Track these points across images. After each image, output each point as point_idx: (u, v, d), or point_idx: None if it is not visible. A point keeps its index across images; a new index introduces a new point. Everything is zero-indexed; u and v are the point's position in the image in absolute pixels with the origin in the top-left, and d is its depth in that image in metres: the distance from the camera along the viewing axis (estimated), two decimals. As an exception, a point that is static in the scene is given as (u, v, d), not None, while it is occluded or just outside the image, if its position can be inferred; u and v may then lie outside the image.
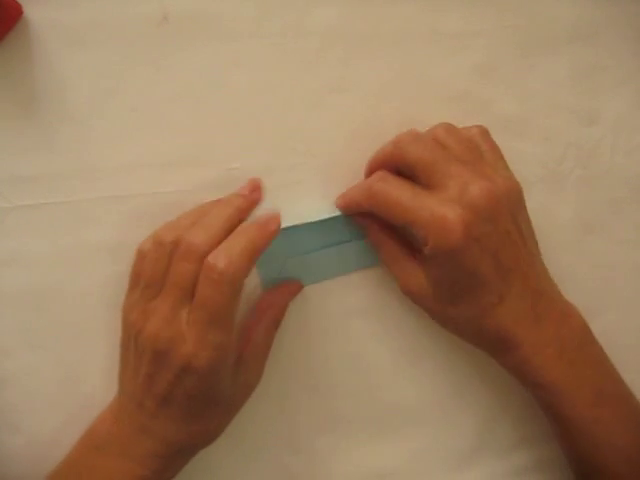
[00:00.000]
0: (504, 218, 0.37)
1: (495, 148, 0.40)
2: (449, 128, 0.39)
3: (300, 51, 0.42)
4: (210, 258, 0.35)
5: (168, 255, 0.37)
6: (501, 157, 0.40)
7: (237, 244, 0.36)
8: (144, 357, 0.37)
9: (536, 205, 0.44)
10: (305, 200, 0.43)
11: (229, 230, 0.37)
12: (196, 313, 0.35)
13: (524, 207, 0.40)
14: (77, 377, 0.42)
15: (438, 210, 0.36)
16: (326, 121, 0.42)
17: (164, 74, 0.42)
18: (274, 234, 0.37)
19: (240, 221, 0.38)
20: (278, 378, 0.43)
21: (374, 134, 0.43)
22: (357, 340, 0.44)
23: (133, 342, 0.37)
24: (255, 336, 0.40)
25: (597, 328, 0.44)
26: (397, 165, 0.39)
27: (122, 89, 0.41)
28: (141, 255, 0.39)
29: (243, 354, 0.39)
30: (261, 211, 0.42)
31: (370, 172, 0.41)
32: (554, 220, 0.44)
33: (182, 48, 0.41)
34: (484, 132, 0.40)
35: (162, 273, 0.37)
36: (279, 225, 0.38)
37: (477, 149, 0.39)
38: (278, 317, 0.41)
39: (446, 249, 0.36)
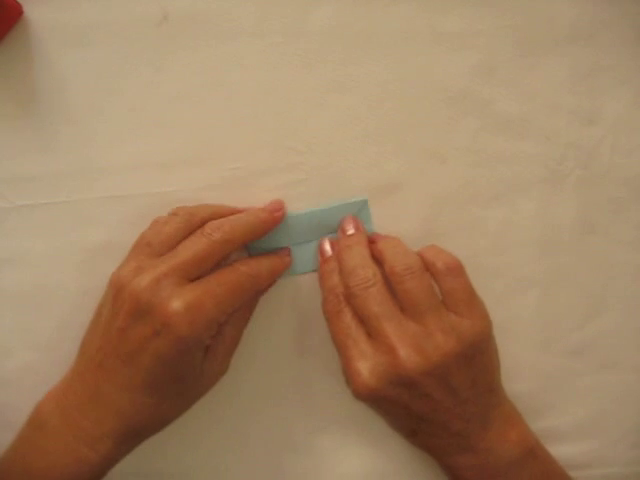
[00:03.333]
0: (424, 386, 0.37)
1: (460, 290, 0.38)
2: (407, 271, 0.38)
3: (300, 51, 0.42)
4: (243, 261, 0.39)
5: (181, 228, 0.38)
6: (466, 299, 0.38)
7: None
8: (122, 310, 0.36)
9: (536, 205, 0.44)
10: (305, 200, 0.43)
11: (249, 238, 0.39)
12: (207, 284, 0.36)
13: (477, 356, 0.38)
14: (77, 377, 0.42)
15: (353, 364, 0.38)
16: (326, 121, 0.42)
17: (164, 74, 0.42)
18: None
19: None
20: (277, 378, 0.43)
21: (374, 134, 0.43)
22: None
23: (112, 297, 0.37)
24: (225, 329, 0.39)
25: (597, 328, 0.45)
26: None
27: (122, 89, 0.41)
28: (158, 223, 0.39)
29: (211, 344, 0.38)
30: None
31: None
32: (554, 220, 0.44)
33: (182, 48, 0.41)
34: (453, 269, 0.38)
35: (173, 240, 0.38)
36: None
37: (434, 295, 0.38)
38: (246, 315, 0.41)
39: (355, 397, 0.38)
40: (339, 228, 0.42)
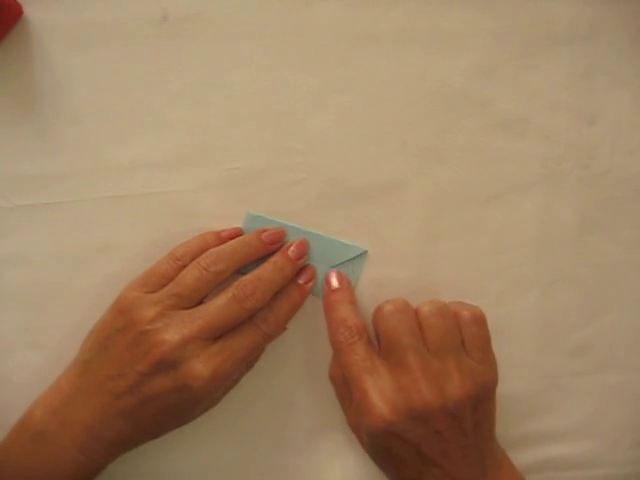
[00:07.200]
0: (438, 423, 0.37)
1: (480, 338, 0.40)
2: (437, 310, 0.39)
3: (300, 51, 0.42)
4: (261, 317, 0.39)
5: (212, 283, 0.39)
6: (482, 348, 0.40)
7: (284, 310, 0.40)
8: (146, 358, 0.37)
9: (536, 205, 0.44)
10: (305, 200, 0.43)
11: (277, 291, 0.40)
12: (230, 348, 0.37)
13: (484, 401, 0.39)
14: (77, 377, 0.42)
15: (370, 397, 0.38)
16: (326, 121, 0.42)
17: (164, 74, 0.42)
18: (309, 292, 0.41)
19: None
20: (276, 378, 0.43)
21: (374, 134, 0.43)
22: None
23: (133, 334, 0.37)
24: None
25: (597, 328, 0.45)
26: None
27: (122, 89, 0.41)
28: (176, 260, 0.39)
29: None
30: (261, 210, 0.42)
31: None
32: (554, 220, 0.44)
33: (182, 48, 0.41)
34: (476, 318, 0.40)
35: (202, 295, 0.39)
36: (315, 282, 0.42)
37: (457, 337, 0.39)
38: (253, 363, 0.42)
39: (366, 431, 0.38)
40: (325, 281, 0.42)
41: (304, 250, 0.41)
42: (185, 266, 0.39)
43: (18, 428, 0.39)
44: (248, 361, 0.40)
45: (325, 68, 0.42)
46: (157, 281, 0.39)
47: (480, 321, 0.40)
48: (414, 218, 0.43)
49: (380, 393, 0.38)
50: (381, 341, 0.39)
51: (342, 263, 0.43)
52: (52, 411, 0.38)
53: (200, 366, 0.36)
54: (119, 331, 0.38)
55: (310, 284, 0.41)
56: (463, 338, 0.39)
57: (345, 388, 0.41)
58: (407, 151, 0.43)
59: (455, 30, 0.42)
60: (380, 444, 0.39)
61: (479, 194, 0.44)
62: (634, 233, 0.45)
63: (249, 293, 0.38)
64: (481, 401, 0.39)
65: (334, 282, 0.42)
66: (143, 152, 0.42)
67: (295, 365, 0.43)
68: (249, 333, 0.38)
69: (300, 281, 0.41)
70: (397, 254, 0.43)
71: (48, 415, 0.38)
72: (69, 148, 0.41)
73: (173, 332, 0.37)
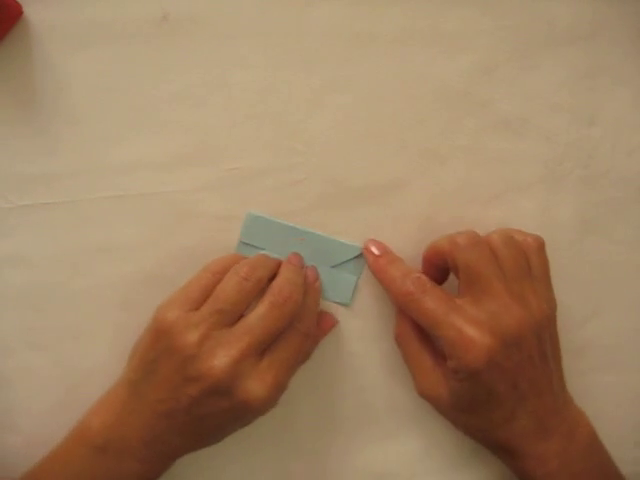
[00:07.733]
0: (530, 345, 0.38)
1: (544, 265, 0.40)
2: (507, 239, 0.40)
3: (300, 51, 0.42)
4: (297, 318, 0.39)
5: (252, 294, 0.39)
6: (547, 275, 0.41)
7: (313, 307, 0.41)
8: (197, 384, 0.36)
9: (536, 205, 0.44)
10: (305, 200, 0.43)
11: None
12: (279, 359, 0.38)
13: (554, 327, 0.40)
14: (77, 377, 0.42)
15: (466, 332, 0.37)
16: (326, 121, 0.42)
17: (164, 74, 0.42)
18: (320, 290, 0.42)
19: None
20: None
21: (374, 134, 0.43)
22: (356, 341, 0.44)
23: (179, 358, 0.37)
24: None
25: (597, 328, 0.45)
26: (446, 262, 0.40)
27: (122, 89, 0.41)
28: (215, 274, 0.39)
29: None
30: (261, 210, 0.42)
31: (424, 261, 0.42)
32: (554, 220, 0.44)
33: (182, 48, 0.41)
34: (540, 246, 0.40)
35: (243, 308, 0.38)
36: (320, 281, 0.42)
37: (527, 265, 0.40)
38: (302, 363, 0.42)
39: (467, 370, 0.37)
40: (367, 250, 0.43)
41: (301, 259, 0.42)
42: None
43: (75, 439, 0.39)
44: (298, 363, 0.41)
45: (325, 68, 0.42)
46: (199, 297, 0.39)
47: (543, 249, 0.41)
48: (414, 218, 0.43)
49: (475, 325, 0.37)
50: (462, 274, 0.39)
51: (342, 263, 0.43)
52: (109, 427, 0.38)
53: (255, 385, 0.36)
54: (163, 354, 0.37)
55: (318, 282, 0.42)
56: (529, 265, 0.40)
57: (416, 344, 0.41)
58: (407, 151, 0.43)
59: (455, 30, 0.42)
60: (479, 384, 0.38)
61: (479, 194, 0.44)
62: (634, 233, 0.45)
63: (287, 296, 0.38)
64: (550, 326, 0.40)
65: (374, 248, 0.42)
66: (143, 152, 0.42)
67: (302, 367, 0.43)
68: (291, 338, 0.39)
69: (308, 281, 0.42)
70: (397, 254, 0.43)
71: (106, 430, 0.38)
72: (69, 148, 0.42)
73: (221, 355, 0.36)
